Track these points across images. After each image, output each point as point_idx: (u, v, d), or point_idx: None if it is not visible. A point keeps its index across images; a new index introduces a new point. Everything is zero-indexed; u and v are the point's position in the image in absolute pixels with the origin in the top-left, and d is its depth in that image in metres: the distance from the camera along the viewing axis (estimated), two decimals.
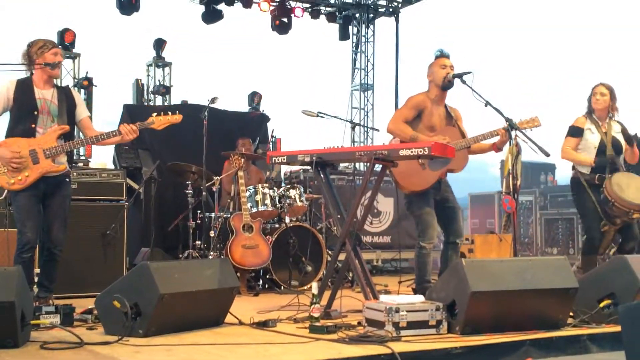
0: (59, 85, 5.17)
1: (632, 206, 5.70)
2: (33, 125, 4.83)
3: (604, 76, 6.23)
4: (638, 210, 5.72)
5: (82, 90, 9.72)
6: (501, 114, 5.18)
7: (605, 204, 5.79)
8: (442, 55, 5.48)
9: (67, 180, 5.04)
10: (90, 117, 5.41)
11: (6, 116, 4.88)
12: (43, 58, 4.87)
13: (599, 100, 6.05)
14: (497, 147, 5.47)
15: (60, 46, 5.07)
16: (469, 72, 5.31)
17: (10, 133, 4.84)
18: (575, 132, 6.08)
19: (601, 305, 4.29)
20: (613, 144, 5.96)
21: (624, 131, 6.02)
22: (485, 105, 5.15)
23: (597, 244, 5.94)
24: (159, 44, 10.87)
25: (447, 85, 5.39)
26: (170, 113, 5.20)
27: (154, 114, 5.16)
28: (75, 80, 9.86)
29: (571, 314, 4.35)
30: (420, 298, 4.16)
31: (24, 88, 4.87)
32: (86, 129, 5.12)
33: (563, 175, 11.37)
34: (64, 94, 5.03)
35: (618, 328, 4.14)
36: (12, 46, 5.03)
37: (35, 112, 4.83)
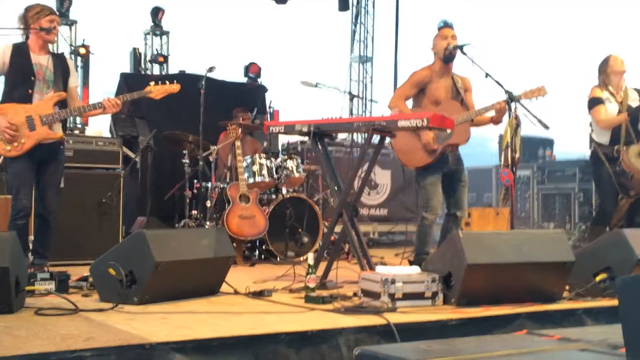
0: (54, 52, 5.12)
1: None
2: (30, 91, 4.80)
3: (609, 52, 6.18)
4: None
5: (79, 58, 9.65)
6: (501, 85, 5.15)
7: (622, 175, 5.77)
8: (445, 25, 5.41)
9: (62, 147, 5.02)
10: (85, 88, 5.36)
11: (1, 81, 4.84)
12: (39, 23, 4.83)
13: (622, 63, 5.98)
14: (494, 121, 5.44)
15: (57, 13, 5.00)
16: (469, 44, 5.28)
17: (8, 98, 4.81)
18: (598, 101, 6.01)
19: (597, 279, 4.29)
20: (630, 112, 5.93)
21: None
22: (486, 77, 5.12)
23: (608, 218, 5.93)
24: (156, 12, 10.76)
25: (448, 57, 5.34)
26: (168, 82, 5.17)
27: (152, 83, 5.13)
28: (72, 48, 9.77)
29: (567, 287, 4.35)
30: (416, 269, 4.15)
31: (20, 52, 4.83)
32: (71, 98, 5.07)
33: (561, 150, 11.36)
34: (59, 61, 5.00)
35: (613, 302, 4.17)
36: (9, 10, 4.97)
37: (32, 78, 4.80)
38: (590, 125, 6.18)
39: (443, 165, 5.35)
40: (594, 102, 6.03)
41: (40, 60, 4.87)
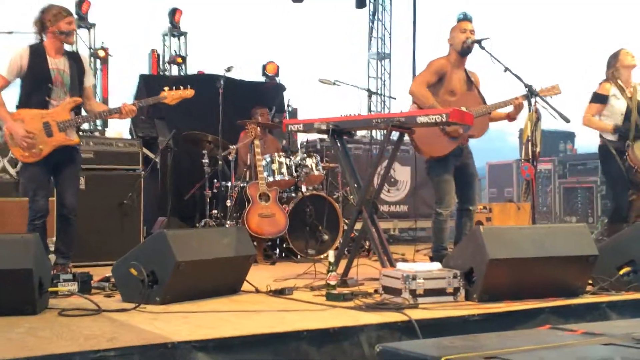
0: (69, 50, 5.09)
1: None
2: (47, 98, 4.81)
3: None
4: None
5: (98, 60, 9.73)
6: (521, 80, 5.11)
7: (629, 170, 5.74)
8: (464, 18, 5.38)
9: (77, 148, 5.04)
10: (95, 87, 5.35)
11: (17, 83, 4.84)
12: (57, 26, 4.81)
13: (633, 58, 5.95)
14: (511, 117, 5.41)
15: (73, 13, 4.98)
16: (487, 38, 5.25)
17: (24, 104, 4.82)
18: (599, 99, 6.00)
19: (621, 272, 4.25)
20: (639, 108, 5.89)
21: None
22: (505, 71, 5.09)
23: (625, 213, 5.89)
24: (173, 13, 10.81)
25: (465, 50, 5.32)
26: (182, 87, 5.17)
27: (166, 88, 5.15)
28: (91, 51, 9.85)
29: (590, 281, 4.31)
30: (437, 265, 4.13)
31: (37, 56, 4.81)
32: (87, 98, 5.08)
33: (582, 143, 11.26)
34: (74, 61, 4.98)
35: (638, 295, 4.13)
36: (28, 12, 4.97)
37: (50, 85, 4.80)
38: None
39: (456, 159, 5.34)
40: (595, 98, 6.05)
41: (58, 64, 4.86)
